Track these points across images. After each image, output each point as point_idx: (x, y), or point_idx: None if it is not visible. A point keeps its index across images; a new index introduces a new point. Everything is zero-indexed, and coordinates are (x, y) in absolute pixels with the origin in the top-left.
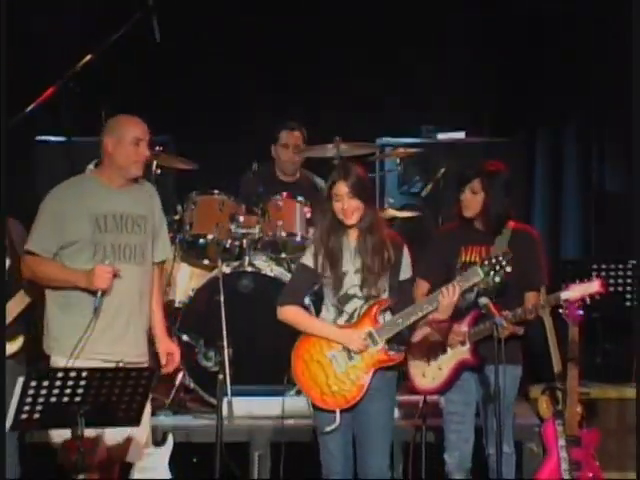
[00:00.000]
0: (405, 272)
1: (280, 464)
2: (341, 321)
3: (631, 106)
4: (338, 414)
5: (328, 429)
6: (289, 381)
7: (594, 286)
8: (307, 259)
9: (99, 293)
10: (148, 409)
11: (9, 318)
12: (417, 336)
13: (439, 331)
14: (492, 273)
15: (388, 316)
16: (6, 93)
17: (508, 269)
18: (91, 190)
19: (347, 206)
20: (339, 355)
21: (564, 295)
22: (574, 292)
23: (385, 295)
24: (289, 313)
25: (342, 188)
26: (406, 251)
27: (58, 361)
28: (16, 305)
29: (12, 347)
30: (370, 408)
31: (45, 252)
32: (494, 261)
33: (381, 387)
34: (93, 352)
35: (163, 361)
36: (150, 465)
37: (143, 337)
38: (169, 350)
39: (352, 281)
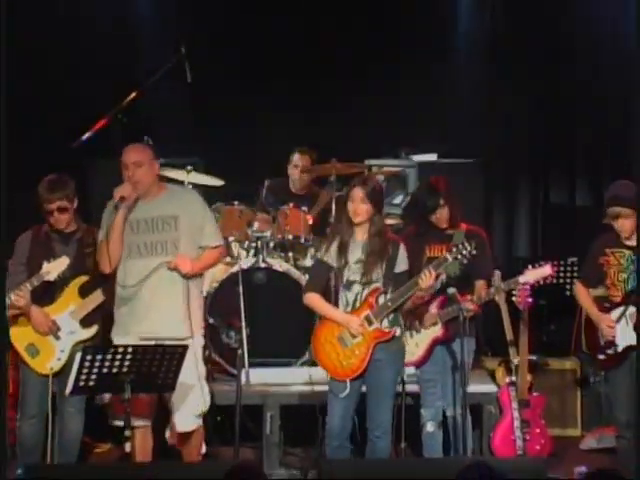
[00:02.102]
0: (400, 266)
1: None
2: (348, 306)
3: (631, 106)
4: (348, 383)
5: (341, 395)
6: (310, 359)
7: (546, 270)
8: (323, 255)
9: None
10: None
11: (87, 310)
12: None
13: (415, 315)
14: (459, 257)
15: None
16: (6, 93)
17: (474, 252)
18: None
19: (363, 208)
20: (345, 335)
21: (522, 279)
22: (530, 276)
23: (379, 283)
24: (311, 299)
25: (358, 193)
26: (402, 249)
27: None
28: (93, 300)
29: (89, 332)
30: (377, 376)
31: None
32: (460, 247)
33: (386, 359)
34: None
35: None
36: None
37: (169, 317)
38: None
39: (353, 270)
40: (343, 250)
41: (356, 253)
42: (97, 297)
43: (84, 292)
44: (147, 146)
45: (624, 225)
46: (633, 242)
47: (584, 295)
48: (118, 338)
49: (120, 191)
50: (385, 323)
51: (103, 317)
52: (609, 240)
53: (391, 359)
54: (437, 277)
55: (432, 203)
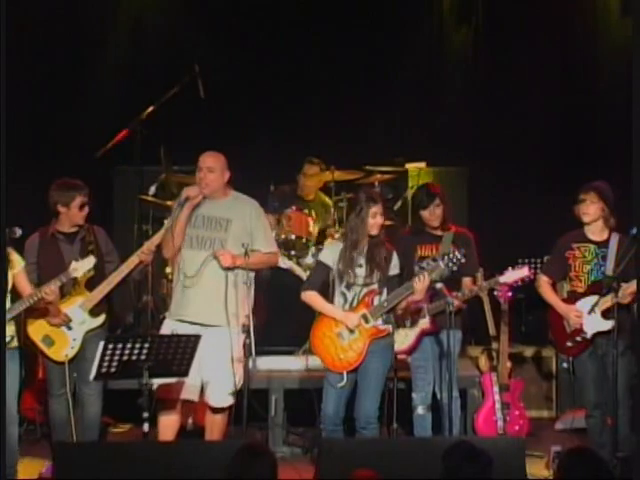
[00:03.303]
0: (393, 270)
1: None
2: (346, 304)
3: (631, 106)
4: (345, 375)
5: (338, 386)
6: (310, 349)
7: (524, 271)
8: (323, 257)
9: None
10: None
11: (96, 300)
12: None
13: (407, 309)
14: (450, 264)
15: (382, 299)
16: (5, 93)
17: (463, 261)
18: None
19: (381, 222)
20: (343, 331)
21: (502, 279)
22: (508, 277)
23: (377, 285)
24: (309, 297)
25: (379, 210)
26: (395, 255)
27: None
28: (99, 292)
29: (98, 321)
30: (368, 366)
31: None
32: (451, 255)
33: (377, 351)
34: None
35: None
36: None
37: (209, 304)
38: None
39: (356, 273)
40: (349, 255)
41: (359, 258)
42: (102, 289)
43: (90, 286)
44: (221, 155)
45: (588, 208)
46: (596, 237)
47: (548, 289)
48: (168, 319)
49: (187, 191)
50: (380, 321)
51: (109, 307)
52: (576, 236)
53: (382, 351)
54: None
55: (427, 200)
